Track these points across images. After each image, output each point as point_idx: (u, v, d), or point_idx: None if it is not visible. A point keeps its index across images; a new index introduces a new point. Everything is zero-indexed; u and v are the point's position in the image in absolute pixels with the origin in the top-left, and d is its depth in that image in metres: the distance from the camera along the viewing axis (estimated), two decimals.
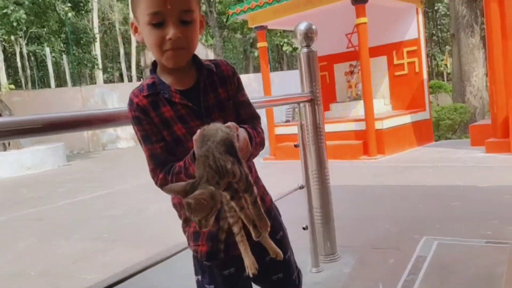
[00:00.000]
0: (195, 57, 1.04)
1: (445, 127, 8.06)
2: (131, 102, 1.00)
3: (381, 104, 7.22)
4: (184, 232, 1.11)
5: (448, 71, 18.60)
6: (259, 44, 7.82)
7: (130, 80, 24.64)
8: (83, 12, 15.27)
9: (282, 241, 1.16)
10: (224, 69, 1.07)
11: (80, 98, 15.35)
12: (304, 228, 2.40)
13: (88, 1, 15.56)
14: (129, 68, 25.58)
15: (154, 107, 0.99)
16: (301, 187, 2.46)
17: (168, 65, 0.99)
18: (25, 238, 4.11)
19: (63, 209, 5.40)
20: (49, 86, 24.48)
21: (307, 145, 2.54)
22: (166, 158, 0.99)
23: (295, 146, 2.52)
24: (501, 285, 2.03)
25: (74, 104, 15.15)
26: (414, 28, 6.97)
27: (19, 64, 25.01)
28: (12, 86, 13.10)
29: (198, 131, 0.88)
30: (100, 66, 21.04)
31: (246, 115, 1.08)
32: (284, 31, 18.61)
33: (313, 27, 2.57)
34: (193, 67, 1.04)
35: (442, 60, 18.18)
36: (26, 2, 10.60)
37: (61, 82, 27.69)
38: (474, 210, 3.31)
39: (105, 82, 25.48)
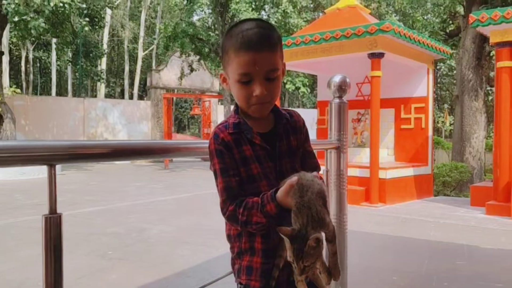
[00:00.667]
0: (274, 106, 1.15)
1: (442, 184, 8.23)
2: (216, 136, 1.10)
3: (385, 153, 7.39)
4: (234, 264, 1.16)
5: (445, 128, 19.06)
6: None
7: (131, 97, 24.83)
8: (97, 27, 15.56)
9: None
10: (297, 120, 1.18)
11: (82, 110, 15.40)
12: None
13: (104, 17, 15.87)
14: (131, 85, 25.82)
15: (237, 144, 1.08)
16: None
17: (254, 115, 1.10)
18: (26, 246, 4.06)
19: (63, 220, 5.35)
20: (49, 94, 24.53)
21: (330, 190, 2.63)
22: (238, 192, 1.07)
23: None
24: None
25: (75, 114, 15.20)
26: (424, 86, 7.26)
27: (22, 68, 25.13)
28: (18, 90, 13.11)
29: (295, 178, 0.96)
30: (104, 81, 21.25)
31: (311, 164, 1.17)
32: (287, 70, 19.10)
33: (347, 80, 2.71)
34: (271, 114, 1.15)
35: (440, 117, 18.69)
36: (46, 12, 10.78)
37: (61, 90, 27.76)
38: (479, 271, 3.38)
39: (106, 96, 25.62)
